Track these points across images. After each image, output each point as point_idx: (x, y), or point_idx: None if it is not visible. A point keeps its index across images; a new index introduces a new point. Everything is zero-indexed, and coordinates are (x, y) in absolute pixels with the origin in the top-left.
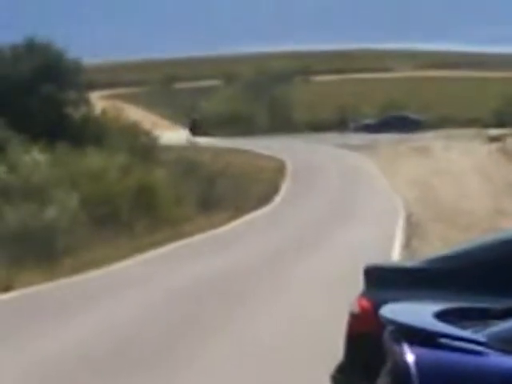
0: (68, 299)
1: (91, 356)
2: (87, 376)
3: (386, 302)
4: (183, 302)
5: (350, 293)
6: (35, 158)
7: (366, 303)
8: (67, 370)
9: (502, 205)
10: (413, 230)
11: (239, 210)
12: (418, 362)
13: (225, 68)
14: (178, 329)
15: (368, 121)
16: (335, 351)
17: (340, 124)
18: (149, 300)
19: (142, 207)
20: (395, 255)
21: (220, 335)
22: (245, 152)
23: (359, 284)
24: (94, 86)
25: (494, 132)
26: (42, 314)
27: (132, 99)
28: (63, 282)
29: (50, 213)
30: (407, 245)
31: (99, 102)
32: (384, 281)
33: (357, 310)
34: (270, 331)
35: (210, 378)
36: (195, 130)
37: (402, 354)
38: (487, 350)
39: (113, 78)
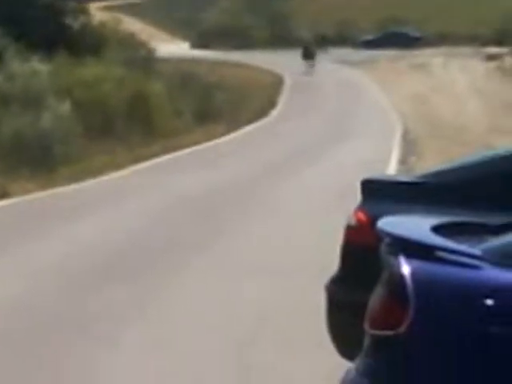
0: (65, 207)
1: (83, 265)
2: (74, 286)
3: (383, 214)
4: (177, 212)
5: (347, 206)
6: (35, 68)
7: (362, 216)
8: (61, 277)
9: (499, 122)
10: (410, 146)
11: (235, 123)
12: (413, 275)
13: None
14: (169, 241)
15: (367, 37)
16: (328, 265)
17: (341, 40)
18: (144, 210)
19: (138, 119)
20: (392, 170)
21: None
22: (244, 66)
23: (356, 198)
24: None
25: (492, 50)
26: (38, 221)
27: (131, 11)
28: (59, 190)
29: (46, 122)
30: (404, 160)
31: (98, 13)
32: (381, 194)
33: (353, 222)
34: (261, 247)
35: (199, 286)
36: (308, 55)
37: (397, 267)
38: (483, 264)
39: None
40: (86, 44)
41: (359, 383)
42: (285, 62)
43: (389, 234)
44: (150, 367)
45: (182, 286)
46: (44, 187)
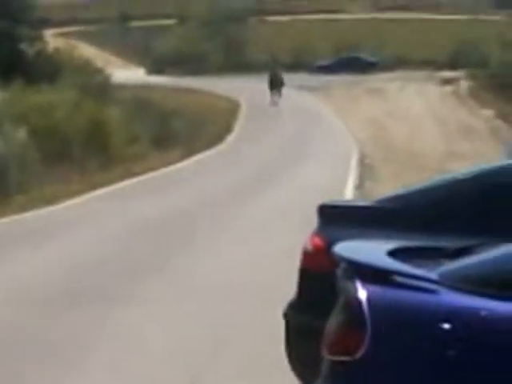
0: (19, 235)
1: (39, 291)
2: (27, 315)
3: (339, 239)
4: (132, 238)
5: (303, 230)
6: None
7: (319, 241)
8: (13, 303)
9: (454, 147)
10: (366, 170)
11: (192, 149)
12: (370, 300)
13: (180, 7)
14: (130, 265)
15: (322, 62)
16: (287, 290)
17: (296, 65)
18: (98, 236)
19: (95, 145)
20: (349, 195)
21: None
22: (199, 91)
23: (312, 222)
24: (48, 23)
25: (447, 75)
26: None
27: (86, 37)
28: (14, 217)
29: (1, 148)
30: (360, 185)
31: (53, 39)
32: (337, 219)
33: (310, 247)
34: (215, 270)
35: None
36: (275, 84)
37: (354, 292)
38: (439, 288)
39: (67, 15)
40: (42, 70)
41: None
42: (240, 87)
43: (345, 259)
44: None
45: (130, 314)
46: None
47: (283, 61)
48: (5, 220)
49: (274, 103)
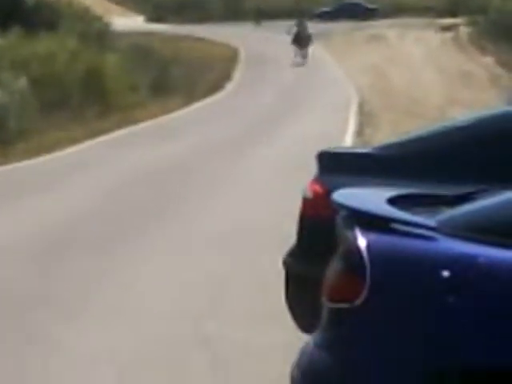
0: (19, 182)
1: (40, 239)
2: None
3: (338, 187)
4: (131, 186)
5: (304, 177)
6: None
7: (318, 188)
8: (13, 252)
9: (454, 94)
10: (366, 117)
11: (191, 97)
12: (369, 247)
13: None
14: (128, 211)
15: (323, 9)
16: (286, 237)
17: (296, 12)
18: (99, 184)
19: (94, 93)
20: (348, 142)
21: (166, 221)
22: (199, 39)
23: (312, 169)
24: None
25: (446, 21)
26: None
27: None
28: (14, 165)
29: (1, 97)
30: (360, 132)
31: None
32: (337, 166)
33: (309, 194)
34: (214, 217)
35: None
36: (302, 41)
37: (354, 239)
38: (438, 235)
39: None
40: (41, 19)
41: (317, 356)
42: (240, 35)
43: (344, 207)
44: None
45: (128, 262)
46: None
47: (282, 8)
48: (6, 167)
49: (298, 63)
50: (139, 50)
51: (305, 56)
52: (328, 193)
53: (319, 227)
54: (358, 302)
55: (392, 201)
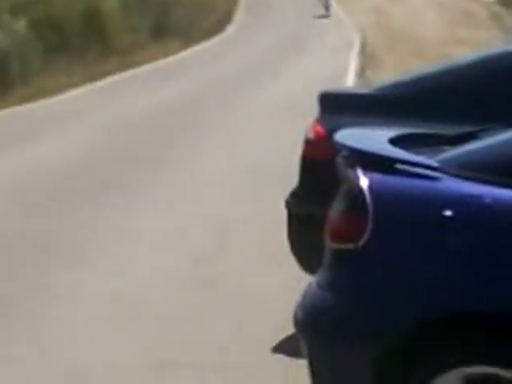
0: (21, 126)
1: (42, 182)
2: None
3: (340, 127)
4: (135, 128)
5: (306, 119)
6: None
7: (320, 129)
8: (17, 196)
9: (455, 33)
10: (368, 58)
11: (192, 39)
12: (372, 187)
13: None
14: (126, 155)
15: None
16: (290, 175)
17: None
18: (101, 126)
19: (94, 35)
20: (350, 83)
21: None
22: None
23: (314, 110)
24: None
25: None
26: None
27: None
28: (15, 109)
29: (1, 40)
30: (362, 73)
31: None
32: (339, 107)
33: (311, 135)
34: (218, 156)
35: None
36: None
37: (356, 180)
38: (440, 175)
39: None
40: None
41: (321, 296)
42: None
43: (346, 147)
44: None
45: (134, 201)
46: (0, 106)
47: None
48: (7, 111)
49: (323, 16)
50: None
51: (329, 8)
52: (330, 134)
53: (321, 168)
54: (361, 242)
55: (394, 141)
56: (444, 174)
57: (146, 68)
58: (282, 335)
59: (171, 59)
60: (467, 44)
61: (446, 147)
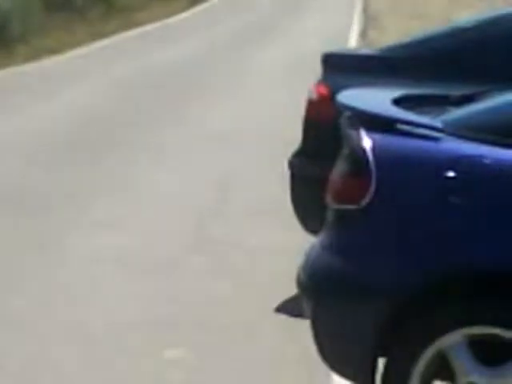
0: (24, 85)
1: (46, 140)
2: (34, 162)
3: (343, 88)
4: (140, 88)
5: (308, 78)
6: None
7: (323, 89)
8: (22, 153)
9: None
10: (370, 20)
11: None
12: (374, 148)
13: None
14: (128, 114)
15: None
16: (294, 138)
17: None
18: (106, 86)
19: None
20: (353, 44)
21: (174, 122)
22: None
23: (317, 70)
24: None
25: None
26: None
27: None
28: (18, 68)
29: None
30: (364, 34)
31: None
32: (342, 68)
33: (314, 96)
34: (224, 119)
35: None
36: None
37: (358, 140)
38: (444, 136)
39: None
40: None
41: (323, 257)
42: None
43: (349, 108)
44: None
45: (138, 161)
46: (1, 65)
47: None
48: (9, 70)
49: None
50: None
51: None
52: (333, 94)
53: (324, 128)
54: (364, 203)
55: (397, 101)
56: (447, 135)
57: (150, 28)
58: (285, 289)
59: (174, 19)
60: (471, 6)
61: (449, 108)
